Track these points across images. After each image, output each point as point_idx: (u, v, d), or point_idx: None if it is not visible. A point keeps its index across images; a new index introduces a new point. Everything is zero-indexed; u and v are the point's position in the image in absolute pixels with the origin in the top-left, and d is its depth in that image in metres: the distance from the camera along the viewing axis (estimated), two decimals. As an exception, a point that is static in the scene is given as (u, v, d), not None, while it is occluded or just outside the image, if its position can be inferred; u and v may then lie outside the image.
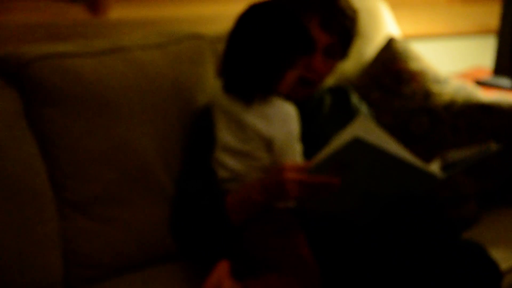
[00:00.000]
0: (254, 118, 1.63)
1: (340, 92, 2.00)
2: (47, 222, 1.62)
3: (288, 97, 1.75)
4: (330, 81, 2.10)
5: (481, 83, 2.55)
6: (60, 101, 1.66)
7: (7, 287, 1.53)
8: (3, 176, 1.55)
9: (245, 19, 1.66)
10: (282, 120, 1.64)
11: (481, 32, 3.05)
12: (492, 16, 2.87)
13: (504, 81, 2.58)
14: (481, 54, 2.99)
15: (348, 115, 1.93)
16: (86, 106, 1.68)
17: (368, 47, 2.30)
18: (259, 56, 1.62)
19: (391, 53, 2.22)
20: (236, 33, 1.66)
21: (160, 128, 1.79)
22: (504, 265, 1.73)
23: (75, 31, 2.04)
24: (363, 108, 1.98)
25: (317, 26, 1.76)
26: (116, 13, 2.12)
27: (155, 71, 1.81)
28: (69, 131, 1.66)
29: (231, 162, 1.66)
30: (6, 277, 1.53)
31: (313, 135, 1.83)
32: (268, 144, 1.63)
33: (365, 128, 1.47)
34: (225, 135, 1.67)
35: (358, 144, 1.42)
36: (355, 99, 1.99)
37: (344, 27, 1.79)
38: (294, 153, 1.64)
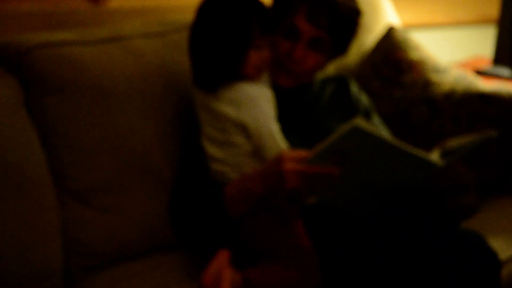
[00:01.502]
0: (224, 106, 1.62)
1: (340, 81, 1.99)
2: (47, 211, 1.62)
3: (275, 84, 1.74)
4: (330, 70, 2.10)
5: (481, 73, 2.55)
6: (60, 90, 1.66)
7: (7, 276, 1.53)
8: (2, 165, 1.55)
9: (202, 8, 1.64)
10: (250, 102, 1.62)
11: (481, 21, 3.04)
12: (492, 6, 2.87)
13: (504, 70, 2.58)
14: (481, 43, 2.99)
15: (347, 104, 1.93)
16: (85, 94, 1.68)
17: (368, 37, 2.29)
18: (217, 39, 1.59)
19: (391, 43, 2.22)
20: (195, 24, 1.65)
21: (160, 116, 1.79)
22: (503, 254, 1.73)
23: (75, 19, 2.03)
24: (363, 98, 1.98)
25: (303, 17, 1.74)
26: (116, 1, 2.12)
27: (155, 59, 1.81)
28: (68, 120, 1.66)
29: (217, 152, 1.66)
30: (6, 266, 1.53)
31: (312, 124, 1.82)
32: (243, 129, 1.62)
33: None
34: (206, 127, 1.67)
35: (357, 132, 1.42)
36: (354, 88, 1.99)
37: (334, 24, 1.75)
38: (272, 134, 1.62)
